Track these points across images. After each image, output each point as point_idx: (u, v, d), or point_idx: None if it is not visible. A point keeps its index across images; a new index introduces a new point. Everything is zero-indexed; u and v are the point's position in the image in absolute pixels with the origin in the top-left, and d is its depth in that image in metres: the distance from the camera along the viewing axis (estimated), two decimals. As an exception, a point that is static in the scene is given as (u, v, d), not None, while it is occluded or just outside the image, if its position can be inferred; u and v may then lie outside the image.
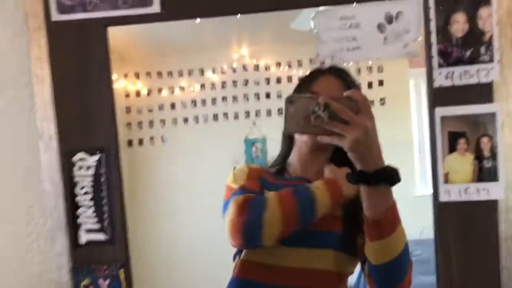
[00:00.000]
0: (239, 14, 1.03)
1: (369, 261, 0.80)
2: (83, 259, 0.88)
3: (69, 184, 0.88)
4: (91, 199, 0.88)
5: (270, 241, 0.84)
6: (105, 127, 0.90)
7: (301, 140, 0.94)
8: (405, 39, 0.88)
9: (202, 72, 3.33)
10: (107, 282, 0.87)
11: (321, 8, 0.94)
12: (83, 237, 0.88)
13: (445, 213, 0.84)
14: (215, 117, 3.38)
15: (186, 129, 3.36)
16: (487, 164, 0.81)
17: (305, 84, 0.90)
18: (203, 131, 3.36)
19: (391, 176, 0.71)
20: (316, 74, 0.91)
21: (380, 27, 0.89)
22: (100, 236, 0.88)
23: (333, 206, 0.84)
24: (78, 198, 0.88)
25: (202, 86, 3.38)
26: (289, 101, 0.69)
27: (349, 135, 0.68)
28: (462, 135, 0.82)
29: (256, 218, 0.83)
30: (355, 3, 0.91)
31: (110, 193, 0.87)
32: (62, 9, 0.89)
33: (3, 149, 0.95)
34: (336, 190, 0.84)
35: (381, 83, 3.14)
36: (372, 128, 0.68)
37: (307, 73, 0.95)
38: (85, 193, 0.88)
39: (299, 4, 1.06)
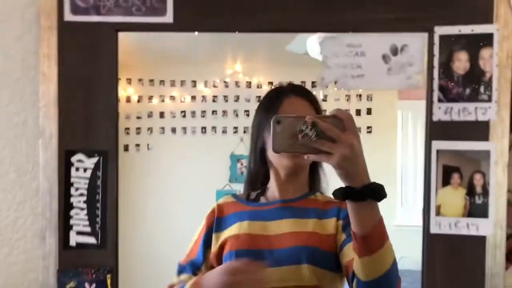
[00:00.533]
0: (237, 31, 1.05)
1: (358, 278, 0.81)
2: (71, 261, 0.87)
3: (65, 185, 0.87)
4: (85, 202, 0.87)
5: None
6: (106, 130, 0.90)
7: (280, 163, 0.98)
8: (408, 71, 0.91)
9: (194, 84, 3.34)
10: (93, 286, 0.86)
11: (328, 34, 0.97)
12: (73, 239, 0.87)
13: (434, 245, 0.85)
14: (203, 129, 3.38)
15: (173, 139, 3.36)
16: (478, 200, 0.83)
17: (272, 106, 0.92)
18: (190, 143, 3.36)
19: (377, 191, 0.73)
20: (280, 96, 0.94)
21: (385, 58, 0.92)
22: (91, 240, 0.87)
23: None
24: (72, 199, 0.87)
25: (193, 97, 3.39)
26: (276, 121, 0.71)
27: (337, 152, 0.70)
28: (456, 170, 0.84)
29: None
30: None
31: (104, 197, 0.87)
32: (75, 10, 0.89)
33: (1, 143, 0.95)
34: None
35: (369, 111, 3.20)
36: (358, 145, 0.71)
37: (268, 93, 0.99)
38: (80, 194, 0.87)
39: (298, 28, 1.11)
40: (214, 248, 1.06)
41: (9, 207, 0.98)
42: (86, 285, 0.86)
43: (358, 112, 3.27)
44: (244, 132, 3.40)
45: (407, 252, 2.84)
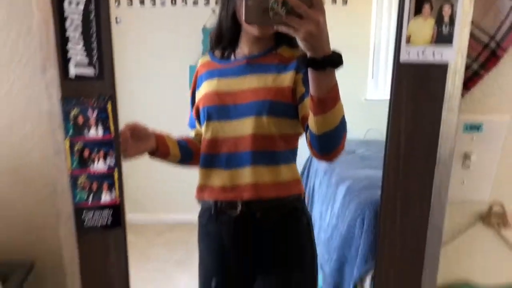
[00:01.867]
0: None
1: (312, 132, 0.95)
2: (72, 91, 0.94)
3: (59, 18, 0.90)
4: (81, 34, 0.92)
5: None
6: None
7: (249, 29, 1.06)
8: None
9: (164, -51, 3.18)
10: (95, 113, 0.95)
11: None
12: (73, 71, 0.93)
13: (402, 73, 0.96)
14: (173, 1, 3.28)
15: (142, 11, 3.27)
16: (445, 29, 0.92)
17: None
18: (159, 14, 3.27)
19: (336, 60, 0.84)
20: None
21: None
22: (89, 71, 0.93)
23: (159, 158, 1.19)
24: (68, 33, 0.91)
25: (163, -35, 3.24)
26: None
27: (304, 28, 0.80)
28: (427, 1, 0.92)
29: None
30: None
31: (98, 29, 0.91)
32: None
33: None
34: None
35: None
36: (323, 21, 0.80)
37: None
38: (75, 29, 0.91)
39: None
40: (195, 105, 1.19)
41: (3, 45, 1.02)
42: (89, 112, 0.94)
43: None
44: (216, 3, 3.32)
45: (375, 124, 3.03)
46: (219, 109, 1.13)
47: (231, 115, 1.11)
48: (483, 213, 1.20)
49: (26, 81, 1.02)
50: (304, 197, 1.22)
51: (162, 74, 3.26)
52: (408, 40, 0.92)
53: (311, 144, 1.02)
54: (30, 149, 1.09)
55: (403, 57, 0.92)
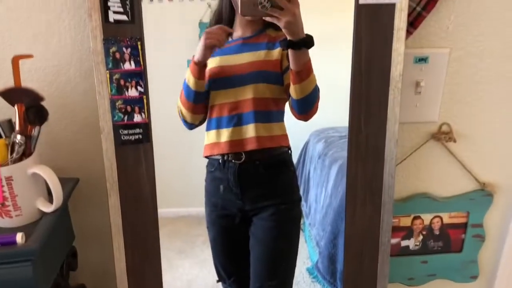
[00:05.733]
0: None
1: (292, 97, 1.27)
2: (111, 33, 1.23)
3: (101, -24, 1.19)
4: (117, -11, 1.21)
5: (193, 121, 1.42)
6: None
7: (243, 17, 1.35)
8: None
9: None
10: (128, 50, 1.24)
11: None
12: (111, 17, 1.22)
13: (361, 12, 1.25)
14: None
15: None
16: (390, -22, 1.22)
17: None
18: (156, 10, 3.52)
19: (309, 41, 1.18)
20: None
21: None
22: (124, 17, 1.22)
23: (196, 74, 1.30)
24: (107, -12, 1.20)
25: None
26: None
27: (284, 18, 1.14)
28: (377, -44, 1.21)
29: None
30: None
31: (130, -16, 1.20)
32: None
33: None
34: (192, 65, 1.29)
35: None
36: (298, 13, 1.15)
37: None
38: (113, -16, 1.20)
39: None
40: None
41: (54, 2, 1.31)
42: (124, 49, 1.24)
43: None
44: None
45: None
46: (224, 80, 1.41)
47: (234, 84, 1.39)
48: (434, 132, 1.50)
49: (71, 29, 1.32)
50: (291, 151, 1.50)
51: (160, 68, 3.48)
52: (364, -13, 1.21)
53: (292, 107, 1.34)
54: (75, 86, 1.39)
55: (362, 1, 1.22)
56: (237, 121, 1.37)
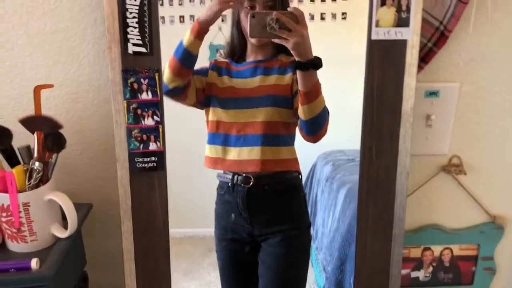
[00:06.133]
0: None
1: (301, 118, 1.29)
2: (130, 64, 1.26)
3: (122, 10, 1.24)
4: (137, 22, 1.25)
5: (168, 82, 1.32)
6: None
7: (252, 40, 1.39)
8: None
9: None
10: (146, 81, 1.27)
11: None
12: (130, 49, 1.26)
13: (374, 47, 1.28)
14: (181, 18, 3.62)
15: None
16: (404, 15, 1.25)
17: None
18: (165, 32, 3.61)
19: (317, 63, 1.20)
20: None
21: None
22: (142, 49, 1.26)
23: (194, 32, 1.25)
24: (127, 20, 1.25)
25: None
26: (252, 16, 1.13)
27: (292, 39, 1.16)
28: (389, -6, 1.25)
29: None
30: None
31: (150, 19, 1.24)
32: None
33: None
34: (194, 24, 1.25)
35: None
36: (306, 34, 1.17)
37: None
38: (133, 17, 1.25)
39: None
40: (203, 77, 1.44)
41: (75, 33, 1.35)
42: (141, 80, 1.27)
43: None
44: (222, 21, 3.63)
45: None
46: (234, 100, 1.44)
47: (245, 106, 1.41)
48: (444, 164, 1.52)
49: (91, 59, 1.36)
50: (301, 176, 1.52)
51: None
52: (377, 24, 1.25)
53: (300, 128, 1.36)
54: (92, 114, 1.42)
55: (374, 37, 1.25)
56: (244, 141, 1.38)
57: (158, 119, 1.31)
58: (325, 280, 2.10)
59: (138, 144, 1.31)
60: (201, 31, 1.22)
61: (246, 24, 1.23)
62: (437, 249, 1.58)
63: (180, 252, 3.32)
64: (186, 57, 1.26)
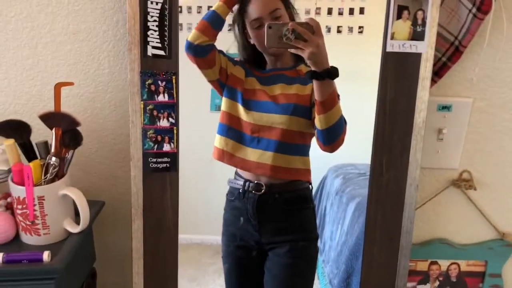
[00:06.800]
0: None
1: (317, 128, 1.29)
2: (149, 66, 1.29)
3: (144, 13, 1.27)
4: (157, 26, 1.28)
5: (194, 39, 1.27)
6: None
7: (267, 51, 1.39)
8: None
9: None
10: (163, 83, 1.30)
11: None
12: (150, 51, 1.29)
13: (388, 59, 1.30)
14: (190, 27, 3.66)
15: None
16: (419, 29, 1.27)
17: (242, 5, 1.28)
18: (183, 39, 3.66)
19: (333, 73, 1.20)
20: None
21: None
22: (161, 52, 1.29)
23: (223, 1, 1.25)
24: (148, 23, 1.28)
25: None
26: (269, 26, 1.14)
27: (308, 49, 1.17)
28: (405, 8, 1.27)
29: None
30: None
31: (170, 23, 1.28)
32: None
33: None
34: None
35: (362, 11, 3.49)
36: (322, 44, 1.18)
37: None
38: (154, 20, 1.28)
39: None
40: (229, 62, 1.44)
41: (97, 34, 1.39)
42: (159, 82, 1.30)
43: (351, 11, 3.55)
44: (229, 30, 3.68)
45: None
46: (254, 103, 1.44)
47: (264, 109, 1.41)
48: (454, 178, 1.52)
49: (110, 60, 1.39)
50: (312, 188, 1.52)
51: (186, 100, 3.57)
52: (392, 37, 1.27)
53: (317, 138, 1.35)
54: (109, 113, 1.45)
55: (389, 49, 1.27)
56: (257, 144, 1.38)
57: (173, 121, 1.33)
58: (332, 292, 2.28)
59: (152, 145, 1.34)
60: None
61: (254, 38, 1.25)
62: (444, 264, 1.58)
63: (186, 258, 3.32)
64: (215, 18, 1.27)
